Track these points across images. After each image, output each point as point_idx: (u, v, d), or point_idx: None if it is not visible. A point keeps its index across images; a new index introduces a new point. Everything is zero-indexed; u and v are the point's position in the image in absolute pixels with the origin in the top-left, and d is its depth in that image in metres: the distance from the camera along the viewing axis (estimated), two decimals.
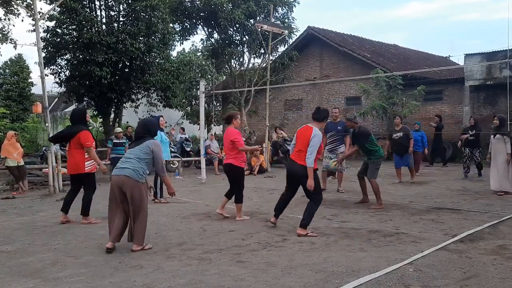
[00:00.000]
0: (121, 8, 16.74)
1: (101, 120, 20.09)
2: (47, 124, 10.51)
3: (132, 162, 4.87)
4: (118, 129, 12.56)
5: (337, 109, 9.75)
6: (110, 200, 4.95)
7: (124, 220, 4.89)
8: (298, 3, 17.87)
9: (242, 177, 6.53)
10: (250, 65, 18.71)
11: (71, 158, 6.40)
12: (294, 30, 18.30)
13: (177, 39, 18.37)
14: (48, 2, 15.96)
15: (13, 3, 15.78)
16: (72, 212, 7.21)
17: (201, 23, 17.70)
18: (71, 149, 6.38)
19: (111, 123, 18.19)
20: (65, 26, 16.02)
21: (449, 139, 16.61)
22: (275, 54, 18.25)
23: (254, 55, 18.38)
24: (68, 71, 16.83)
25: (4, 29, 17.46)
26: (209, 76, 26.18)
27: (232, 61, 18.24)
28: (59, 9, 15.52)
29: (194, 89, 24.97)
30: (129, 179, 4.80)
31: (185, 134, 17.88)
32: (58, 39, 15.98)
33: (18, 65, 30.38)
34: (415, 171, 11.35)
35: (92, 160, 6.45)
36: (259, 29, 14.87)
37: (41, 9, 14.44)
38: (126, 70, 16.97)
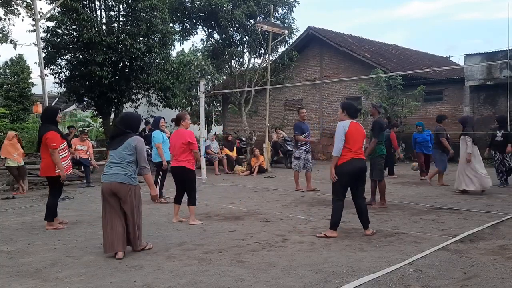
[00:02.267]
0: (121, 8, 16.75)
1: (101, 120, 20.12)
2: None
3: (121, 167, 4.65)
4: None
5: (305, 110, 10.36)
6: (103, 207, 4.72)
7: (123, 225, 4.67)
8: (298, 3, 17.86)
9: (195, 180, 6.40)
10: (250, 65, 18.70)
11: (42, 160, 6.13)
12: (294, 30, 18.29)
13: (177, 39, 18.37)
14: (48, 2, 15.98)
15: (13, 3, 15.78)
16: (73, 213, 7.23)
17: (201, 23, 17.68)
18: (42, 151, 6.12)
19: (111, 123, 18.20)
20: (65, 26, 16.03)
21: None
22: (275, 54, 18.23)
23: (254, 55, 18.36)
24: (68, 71, 16.83)
25: (4, 29, 17.49)
26: (209, 76, 26.24)
27: (232, 61, 18.21)
28: (59, 9, 15.52)
29: (194, 89, 25.00)
30: (123, 185, 4.63)
31: None
32: (58, 39, 15.98)
33: (18, 65, 30.41)
34: (425, 174, 11.10)
35: (66, 162, 6.15)
36: (259, 29, 14.86)
37: (41, 9, 14.47)
38: (126, 70, 16.98)
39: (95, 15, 16.35)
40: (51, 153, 5.97)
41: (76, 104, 22.50)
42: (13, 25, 26.12)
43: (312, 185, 9.72)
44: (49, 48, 16.02)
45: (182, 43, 32.65)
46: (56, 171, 6.04)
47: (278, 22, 17.08)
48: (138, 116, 5.09)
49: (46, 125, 6.15)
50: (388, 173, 11.56)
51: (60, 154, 6.07)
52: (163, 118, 8.95)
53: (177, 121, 6.48)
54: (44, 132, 6.04)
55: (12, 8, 16.92)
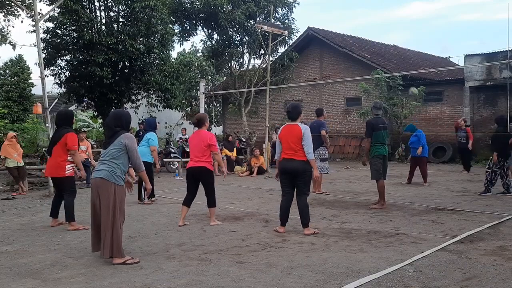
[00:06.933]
0: (121, 9, 16.76)
1: (101, 121, 20.12)
2: (47, 125, 10.52)
3: (106, 164, 4.52)
4: None
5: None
6: (91, 205, 4.64)
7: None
8: (298, 3, 17.92)
9: (214, 181, 6.42)
10: (250, 66, 18.73)
11: (52, 160, 6.19)
12: (294, 31, 18.32)
13: (177, 40, 18.38)
14: (48, 2, 15.98)
15: (13, 4, 15.77)
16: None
17: (201, 24, 17.71)
18: (54, 151, 6.17)
19: None
20: (65, 27, 16.03)
21: (448, 140, 16.65)
22: (275, 55, 18.26)
23: (254, 56, 18.40)
24: (68, 72, 16.83)
25: (3, 30, 17.48)
26: (209, 77, 26.26)
27: (232, 61, 18.25)
28: (59, 10, 15.53)
29: (194, 90, 25.02)
30: (104, 181, 4.46)
31: (185, 135, 17.90)
32: (58, 40, 15.98)
33: (18, 66, 30.39)
34: (425, 180, 10.23)
35: (72, 164, 6.24)
36: (259, 30, 14.87)
37: (41, 10, 14.46)
38: (126, 70, 16.99)
39: (94, 16, 16.35)
40: (72, 154, 6.17)
41: (76, 104, 22.48)
42: (13, 26, 26.14)
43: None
44: (49, 49, 16.01)
45: (182, 44, 32.52)
46: (67, 172, 6.15)
47: (278, 23, 17.10)
48: (127, 113, 4.88)
49: (64, 127, 6.26)
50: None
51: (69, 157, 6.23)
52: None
53: (199, 122, 6.39)
54: (64, 133, 6.16)
55: (12, 9, 16.90)
